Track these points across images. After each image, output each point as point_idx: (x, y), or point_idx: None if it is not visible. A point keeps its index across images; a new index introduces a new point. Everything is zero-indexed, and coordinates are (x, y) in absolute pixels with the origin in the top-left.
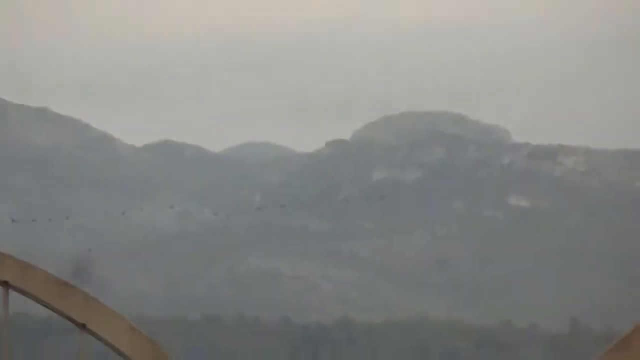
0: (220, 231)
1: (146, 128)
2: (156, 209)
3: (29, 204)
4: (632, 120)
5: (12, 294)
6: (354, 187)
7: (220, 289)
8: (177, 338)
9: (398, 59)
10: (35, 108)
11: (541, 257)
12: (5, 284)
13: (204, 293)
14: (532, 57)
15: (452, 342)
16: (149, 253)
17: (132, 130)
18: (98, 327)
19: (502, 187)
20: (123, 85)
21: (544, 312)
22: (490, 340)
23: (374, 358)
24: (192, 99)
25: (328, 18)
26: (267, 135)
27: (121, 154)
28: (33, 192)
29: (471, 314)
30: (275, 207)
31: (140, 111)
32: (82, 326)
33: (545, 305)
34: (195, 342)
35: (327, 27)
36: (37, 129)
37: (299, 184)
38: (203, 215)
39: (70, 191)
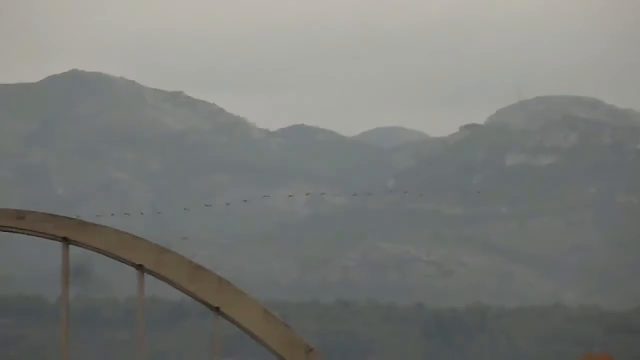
0: (353, 216)
1: (279, 112)
2: (289, 193)
3: (163, 188)
4: None
5: (147, 277)
6: (487, 172)
7: (354, 274)
8: (310, 323)
9: (532, 43)
10: (169, 92)
11: None
12: (140, 268)
13: (337, 278)
14: None
15: (585, 327)
16: (282, 238)
17: (265, 114)
18: (232, 311)
19: (637, 172)
20: (256, 70)
21: None
22: (624, 325)
23: (506, 344)
24: (325, 83)
25: (462, 1)
26: (401, 120)
27: (254, 138)
28: (167, 176)
29: (605, 300)
30: (409, 191)
31: (273, 95)
32: (216, 310)
33: None
34: (329, 326)
35: (460, 11)
36: (172, 113)
37: (433, 168)
38: (336, 200)
39: (204, 175)
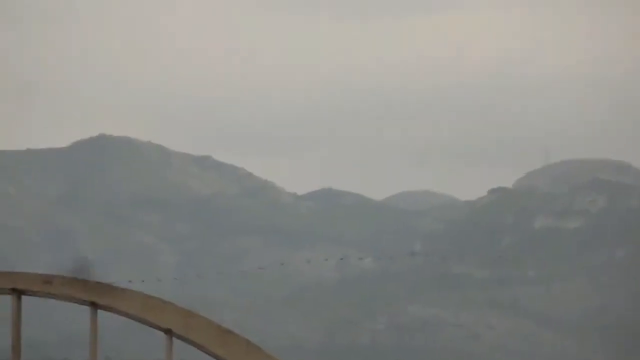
0: (380, 280)
1: (308, 176)
2: (316, 257)
3: (190, 251)
4: None
5: (175, 341)
6: (515, 235)
7: (381, 337)
8: None
9: (559, 106)
10: (197, 156)
11: None
12: (169, 332)
13: (364, 341)
14: None
15: None
16: (309, 301)
17: (293, 178)
18: None
19: None
20: (284, 134)
21: None
22: None
23: None
24: (353, 146)
25: (487, 64)
26: (428, 184)
27: (282, 202)
28: (194, 239)
29: None
30: (436, 254)
31: (301, 159)
32: None
33: None
34: None
35: (488, 73)
36: (199, 177)
37: (460, 231)
38: (363, 264)
39: (231, 239)
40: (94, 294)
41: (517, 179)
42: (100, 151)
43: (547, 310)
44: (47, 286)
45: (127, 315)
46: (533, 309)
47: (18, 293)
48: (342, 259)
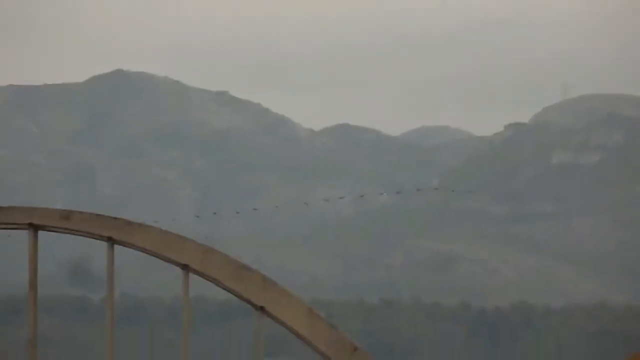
0: (397, 215)
1: (324, 112)
2: (334, 192)
3: (208, 186)
4: None
5: (192, 277)
6: (532, 171)
7: (398, 273)
8: (355, 321)
9: (577, 42)
10: (215, 92)
11: None
12: (186, 267)
13: (381, 277)
14: None
15: (632, 327)
16: (326, 237)
17: (310, 114)
18: (276, 310)
19: None
20: (302, 69)
21: None
22: None
23: (552, 343)
24: (371, 82)
25: (508, 1)
26: (446, 119)
27: (299, 137)
28: (212, 174)
29: None
30: (453, 190)
31: (318, 95)
32: (261, 309)
33: None
34: (374, 326)
35: (506, 11)
36: (217, 112)
37: (477, 167)
38: (380, 200)
39: (249, 174)
40: (111, 230)
41: (534, 114)
42: (117, 86)
43: (565, 246)
44: (65, 222)
45: (144, 250)
46: (550, 245)
47: (35, 228)
48: (362, 196)
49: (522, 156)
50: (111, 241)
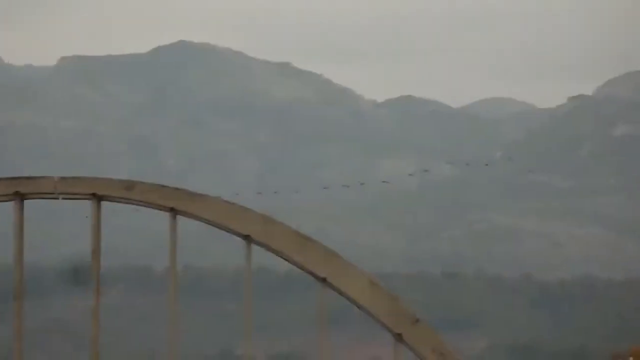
0: (460, 188)
1: (387, 84)
2: (396, 164)
3: (271, 158)
4: None
5: (255, 248)
6: (596, 143)
7: (461, 245)
8: (417, 294)
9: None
10: (277, 63)
11: None
12: (248, 238)
13: (444, 249)
14: None
15: None
16: (389, 209)
17: (373, 85)
18: (338, 282)
19: None
20: (364, 41)
21: None
22: None
23: (615, 316)
24: (433, 54)
25: None
26: (509, 91)
27: (362, 109)
28: (274, 146)
29: None
30: (517, 162)
31: (381, 67)
32: (323, 280)
33: None
34: (436, 298)
35: None
36: (279, 84)
37: (540, 139)
38: (443, 172)
39: (311, 146)
40: (174, 201)
41: (597, 86)
42: (180, 57)
43: (628, 219)
44: (128, 192)
45: (207, 221)
46: (614, 217)
47: (98, 198)
48: (426, 171)
49: (585, 128)
50: (173, 212)
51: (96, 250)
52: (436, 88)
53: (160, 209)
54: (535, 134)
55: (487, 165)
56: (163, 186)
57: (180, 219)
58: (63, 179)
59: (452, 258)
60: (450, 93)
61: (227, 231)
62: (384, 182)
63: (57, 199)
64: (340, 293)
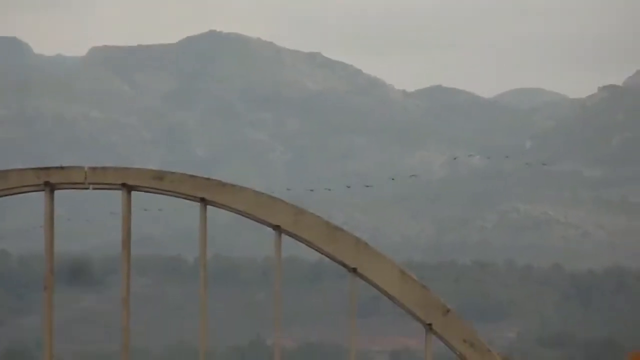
0: (490, 177)
1: (417, 74)
2: (427, 154)
3: (300, 148)
4: None
5: (285, 238)
6: (626, 133)
7: (491, 235)
8: (447, 284)
9: None
10: (307, 53)
11: None
12: (278, 228)
13: (474, 239)
14: None
15: None
16: (419, 199)
17: (403, 76)
18: (368, 272)
19: None
20: (394, 31)
21: None
22: None
23: None
24: (464, 44)
25: None
26: (539, 81)
27: (392, 99)
28: (304, 136)
29: None
30: (547, 152)
31: (411, 57)
32: (353, 270)
33: None
34: (466, 287)
35: None
36: (309, 74)
37: (571, 130)
38: (473, 162)
39: (341, 136)
40: (204, 190)
41: (628, 76)
42: (210, 47)
43: None
44: (158, 182)
45: (237, 211)
46: None
47: (128, 188)
48: (455, 158)
49: (615, 119)
50: (204, 202)
51: (126, 241)
52: (466, 78)
53: (191, 199)
54: (565, 123)
55: (507, 157)
56: (193, 176)
57: (210, 210)
58: (93, 169)
59: (482, 248)
60: (481, 83)
61: (258, 221)
62: (412, 176)
63: (87, 189)
64: (370, 283)
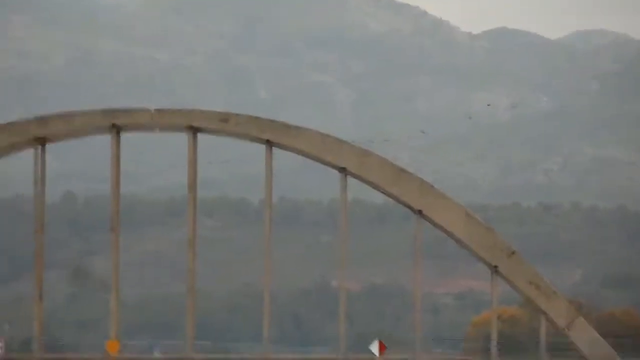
0: (556, 120)
1: (483, 15)
2: (491, 96)
3: (365, 89)
4: None
5: (350, 180)
6: None
7: (556, 177)
8: (512, 226)
9: None
10: None
11: None
12: (344, 171)
13: (539, 181)
14: None
15: None
16: (483, 141)
17: (469, 17)
18: (434, 214)
19: None
20: None
21: None
22: None
23: None
24: None
25: None
26: (603, 22)
27: (457, 41)
28: (369, 78)
29: None
30: (613, 94)
31: None
32: (419, 212)
33: None
34: (531, 230)
35: None
36: (374, 15)
37: (636, 71)
38: (539, 104)
39: (406, 78)
40: (269, 132)
41: None
42: None
43: None
44: (223, 124)
45: (302, 153)
46: None
47: (194, 130)
48: (516, 104)
49: None
50: (269, 144)
51: (192, 184)
52: (532, 20)
53: (256, 141)
54: (630, 65)
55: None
56: (258, 118)
57: (276, 153)
58: (159, 111)
59: (547, 190)
60: (547, 25)
61: (323, 163)
62: (469, 118)
63: (153, 131)
64: (436, 225)
